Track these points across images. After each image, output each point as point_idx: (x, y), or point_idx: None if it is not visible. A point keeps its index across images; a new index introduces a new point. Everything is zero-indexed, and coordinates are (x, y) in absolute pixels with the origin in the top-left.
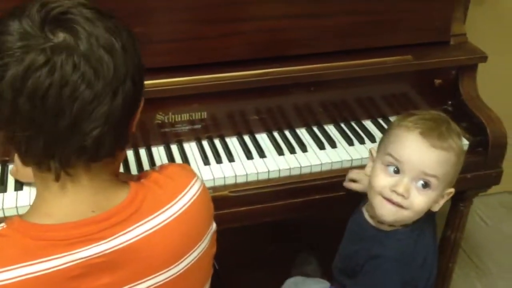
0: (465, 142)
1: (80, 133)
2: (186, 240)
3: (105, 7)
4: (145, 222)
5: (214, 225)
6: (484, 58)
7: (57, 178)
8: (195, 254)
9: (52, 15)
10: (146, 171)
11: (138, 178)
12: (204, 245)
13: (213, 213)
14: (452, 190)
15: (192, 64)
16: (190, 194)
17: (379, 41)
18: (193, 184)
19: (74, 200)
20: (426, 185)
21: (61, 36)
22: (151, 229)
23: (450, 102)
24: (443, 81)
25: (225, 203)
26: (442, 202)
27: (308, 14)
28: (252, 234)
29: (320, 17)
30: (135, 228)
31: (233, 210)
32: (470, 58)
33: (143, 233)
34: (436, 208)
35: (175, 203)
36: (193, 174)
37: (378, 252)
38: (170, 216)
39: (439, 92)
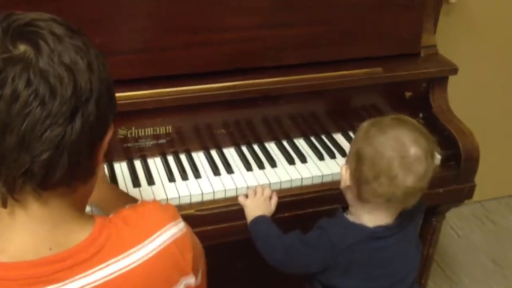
0: (437, 156)
1: (29, 154)
2: None
3: (64, 17)
4: (107, 266)
5: (197, 279)
6: (454, 71)
7: (4, 204)
8: None
9: (14, 26)
10: (122, 208)
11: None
12: None
13: (197, 265)
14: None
15: (155, 76)
16: (162, 238)
17: (348, 53)
18: (169, 228)
19: (28, 233)
20: None
21: (21, 48)
22: (112, 273)
23: (421, 115)
24: (414, 94)
25: (191, 222)
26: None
27: (275, 25)
28: (221, 251)
29: (288, 28)
30: (95, 271)
31: (199, 230)
32: (441, 71)
33: (103, 277)
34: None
35: (142, 247)
36: (173, 216)
37: None
38: (136, 261)
39: (410, 105)
